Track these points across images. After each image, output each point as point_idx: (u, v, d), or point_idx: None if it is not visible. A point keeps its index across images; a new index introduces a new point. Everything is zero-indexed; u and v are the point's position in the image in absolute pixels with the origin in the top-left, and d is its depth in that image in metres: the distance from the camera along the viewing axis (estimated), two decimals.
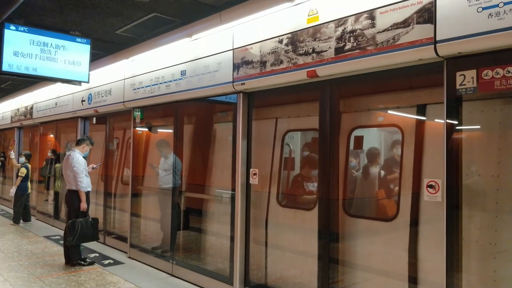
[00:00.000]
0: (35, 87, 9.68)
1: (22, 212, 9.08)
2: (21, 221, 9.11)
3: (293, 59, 3.89)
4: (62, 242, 6.17)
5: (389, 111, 3.89)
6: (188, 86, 5.19)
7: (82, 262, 5.82)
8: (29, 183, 9.14)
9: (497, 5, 2.57)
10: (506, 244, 2.82)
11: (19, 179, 8.89)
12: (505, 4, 2.54)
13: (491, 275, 2.87)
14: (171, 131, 5.98)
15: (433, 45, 2.89)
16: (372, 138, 4.23)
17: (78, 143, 6.12)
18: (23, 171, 8.89)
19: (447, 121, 2.92)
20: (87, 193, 5.88)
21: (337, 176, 3.82)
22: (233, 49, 4.57)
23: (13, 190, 8.98)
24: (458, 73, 2.84)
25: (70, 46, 5.92)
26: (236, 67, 4.51)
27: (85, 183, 5.79)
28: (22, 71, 5.60)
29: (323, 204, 3.82)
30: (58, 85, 8.00)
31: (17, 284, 4.94)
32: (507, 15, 2.53)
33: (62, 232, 6.06)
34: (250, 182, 4.59)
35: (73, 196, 5.78)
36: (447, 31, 2.81)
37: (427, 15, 2.91)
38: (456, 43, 2.77)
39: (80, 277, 5.32)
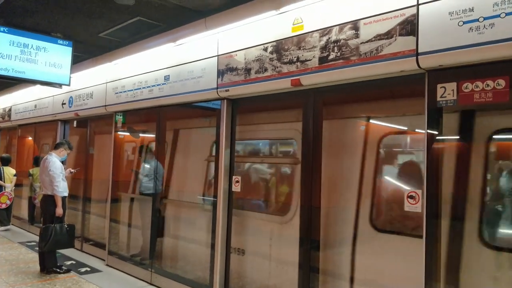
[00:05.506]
0: (15, 88, 9.46)
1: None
2: None
3: (277, 67, 3.90)
4: (37, 248, 6.00)
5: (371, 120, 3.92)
6: (172, 91, 5.14)
7: (58, 270, 5.65)
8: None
9: (477, 20, 2.63)
10: None
11: None
12: (484, 19, 2.60)
13: None
14: (153, 135, 5.91)
15: (415, 57, 2.92)
16: None
17: (56, 147, 5.98)
18: None
19: (428, 131, 2.95)
20: (64, 198, 5.72)
21: (320, 183, 3.82)
22: (217, 56, 4.55)
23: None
24: (439, 85, 2.88)
25: (52, 48, 5.82)
26: (220, 73, 4.49)
27: (62, 188, 5.62)
28: (1, 72, 5.48)
29: (305, 211, 3.82)
30: (38, 87, 7.83)
31: None
32: (486, 29, 2.59)
33: (37, 238, 5.88)
34: (233, 189, 4.55)
35: (49, 201, 5.60)
36: (428, 44, 2.86)
37: (410, 27, 2.96)
38: (437, 56, 2.82)
39: (55, 285, 5.16)
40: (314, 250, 3.80)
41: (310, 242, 3.78)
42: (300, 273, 3.81)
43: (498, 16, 2.54)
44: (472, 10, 2.65)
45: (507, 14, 2.51)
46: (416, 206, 3.02)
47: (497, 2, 2.56)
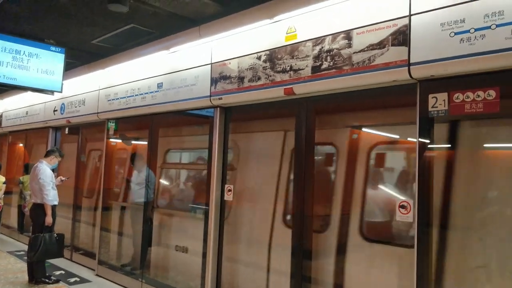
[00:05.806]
0: (5, 95, 9.38)
1: None
2: None
3: (270, 76, 3.90)
4: (26, 258, 5.89)
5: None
6: (165, 99, 5.12)
7: (47, 280, 5.54)
8: None
9: (468, 31, 2.65)
10: None
11: None
12: (475, 30, 2.62)
13: None
14: (145, 143, 5.87)
15: (407, 67, 2.94)
16: None
17: (47, 154, 5.90)
18: None
19: (420, 140, 2.96)
20: (53, 207, 5.63)
21: (312, 190, 3.81)
22: (211, 64, 4.55)
23: None
24: (430, 95, 2.89)
25: (44, 55, 5.79)
26: (213, 81, 4.48)
27: (52, 196, 5.52)
28: None
29: (297, 218, 3.80)
30: (30, 93, 7.75)
31: None
32: (477, 40, 2.61)
33: (27, 248, 5.78)
34: (225, 198, 4.52)
35: (38, 209, 5.50)
36: (420, 54, 2.87)
37: (402, 37, 2.98)
38: (429, 66, 2.83)
39: None
40: (306, 259, 3.80)
41: (303, 250, 3.77)
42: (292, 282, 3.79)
43: (489, 27, 2.57)
44: (463, 21, 2.68)
45: (497, 25, 2.54)
46: (407, 216, 3.02)
47: (488, 14, 2.58)
